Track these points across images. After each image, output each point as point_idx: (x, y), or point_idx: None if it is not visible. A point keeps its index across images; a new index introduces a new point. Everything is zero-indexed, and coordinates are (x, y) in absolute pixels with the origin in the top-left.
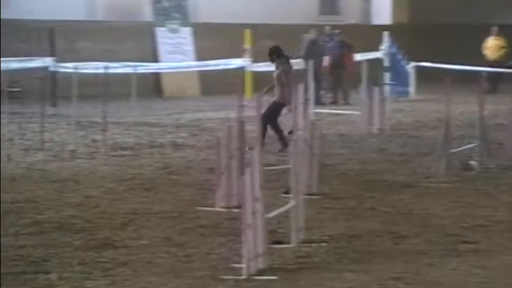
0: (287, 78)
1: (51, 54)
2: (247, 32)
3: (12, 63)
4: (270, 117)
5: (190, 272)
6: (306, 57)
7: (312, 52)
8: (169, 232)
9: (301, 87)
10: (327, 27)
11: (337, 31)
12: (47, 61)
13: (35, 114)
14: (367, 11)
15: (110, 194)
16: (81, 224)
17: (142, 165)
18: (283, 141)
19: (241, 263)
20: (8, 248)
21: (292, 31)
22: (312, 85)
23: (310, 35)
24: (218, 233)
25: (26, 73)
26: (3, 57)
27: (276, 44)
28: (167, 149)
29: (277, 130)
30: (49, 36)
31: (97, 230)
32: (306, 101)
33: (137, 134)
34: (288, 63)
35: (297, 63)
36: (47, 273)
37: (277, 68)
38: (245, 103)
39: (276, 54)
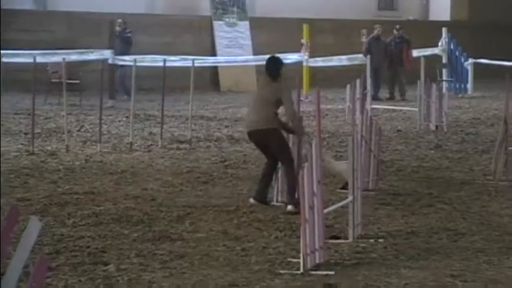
0: None
1: (110, 47)
2: (306, 26)
3: (72, 55)
4: None
5: (247, 265)
6: (366, 53)
7: (373, 48)
8: (226, 226)
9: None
10: (376, 25)
11: (398, 26)
12: (106, 54)
13: (94, 107)
14: (425, 7)
15: (167, 187)
16: (138, 216)
17: (199, 159)
18: None
19: (298, 258)
20: (67, 238)
21: (351, 26)
22: (369, 81)
23: (374, 31)
24: (275, 227)
25: (85, 65)
26: (65, 48)
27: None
28: (224, 143)
29: None
30: (109, 29)
31: (154, 222)
32: (364, 96)
33: (194, 127)
34: None
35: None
36: (105, 264)
37: None
38: (302, 98)
39: None
